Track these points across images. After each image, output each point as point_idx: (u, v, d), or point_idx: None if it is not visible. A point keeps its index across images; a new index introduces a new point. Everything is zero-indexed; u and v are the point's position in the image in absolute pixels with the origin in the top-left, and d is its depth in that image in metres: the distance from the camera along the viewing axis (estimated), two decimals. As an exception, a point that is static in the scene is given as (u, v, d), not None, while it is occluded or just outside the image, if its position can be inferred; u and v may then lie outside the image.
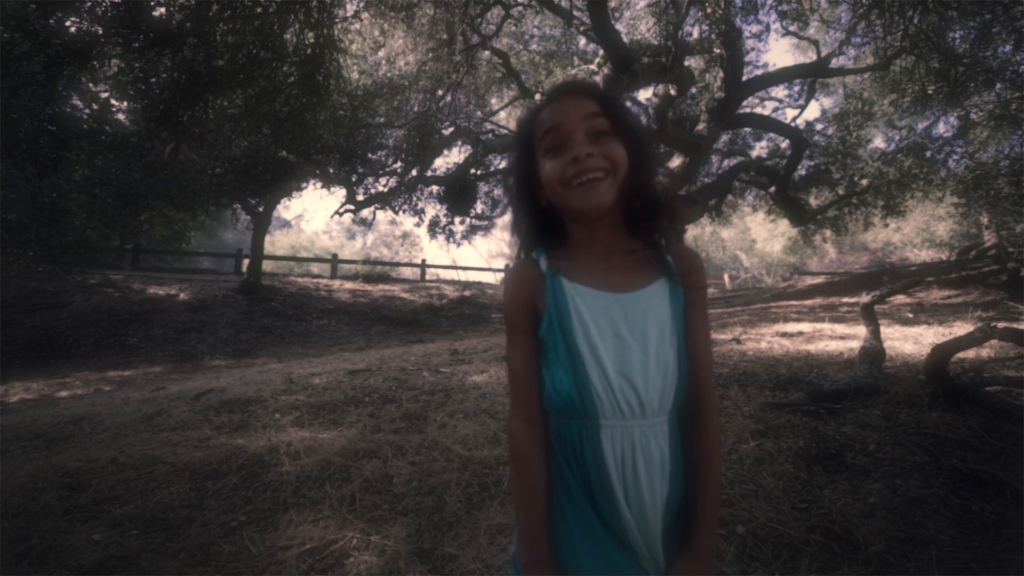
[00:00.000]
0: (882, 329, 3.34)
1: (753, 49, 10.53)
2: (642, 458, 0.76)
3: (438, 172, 12.40)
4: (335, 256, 17.09)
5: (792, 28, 10.25)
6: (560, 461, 0.80)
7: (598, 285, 0.79)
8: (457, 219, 12.47)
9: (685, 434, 0.82)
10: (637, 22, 9.93)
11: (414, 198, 11.66)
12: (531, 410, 0.82)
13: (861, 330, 3.76)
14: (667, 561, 0.79)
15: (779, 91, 12.50)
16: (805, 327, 4.67)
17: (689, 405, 0.82)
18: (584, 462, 0.77)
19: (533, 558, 0.79)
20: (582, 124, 0.78)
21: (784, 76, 10.39)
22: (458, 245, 13.39)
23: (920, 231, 18.49)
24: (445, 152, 12.61)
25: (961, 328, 4.16)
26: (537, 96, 9.73)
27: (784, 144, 11.87)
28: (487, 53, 9.86)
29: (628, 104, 0.87)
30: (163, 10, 3.87)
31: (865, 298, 3.42)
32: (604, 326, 0.77)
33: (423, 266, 17.15)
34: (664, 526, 0.78)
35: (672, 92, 8.44)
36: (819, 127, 11.82)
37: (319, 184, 11.56)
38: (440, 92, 9.90)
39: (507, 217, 0.93)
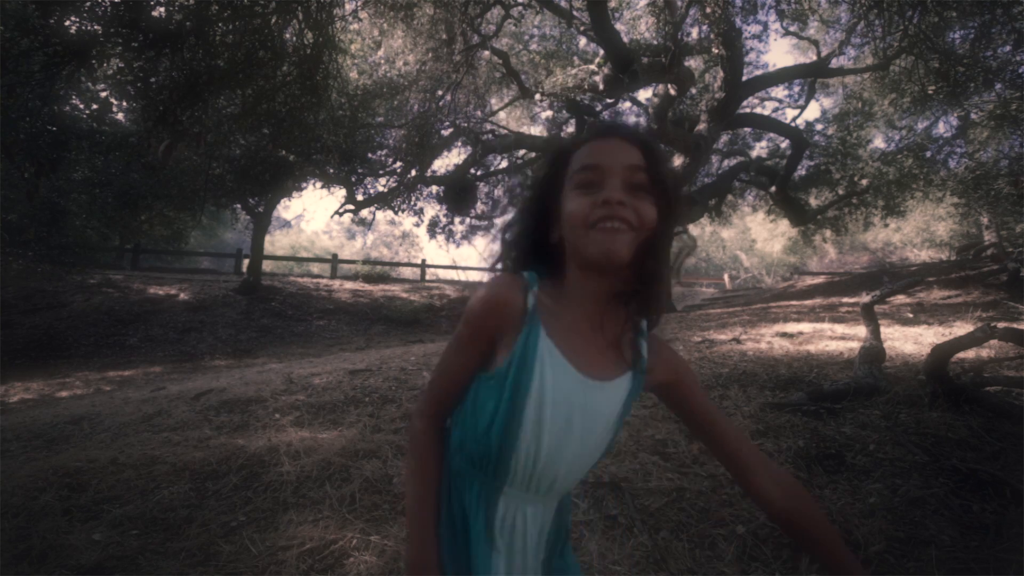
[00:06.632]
0: (882, 329, 3.33)
1: (753, 49, 10.51)
2: (523, 527, 0.78)
3: (438, 172, 12.39)
4: (335, 256, 17.08)
5: (792, 28, 10.25)
6: (457, 493, 0.80)
7: (571, 357, 0.75)
8: (457, 219, 12.47)
9: (779, 508, 0.77)
10: (637, 22, 9.93)
11: (414, 198, 11.65)
12: (441, 412, 0.83)
13: (861, 330, 3.75)
14: None
15: (779, 91, 12.49)
16: (805, 327, 4.67)
17: (745, 474, 0.80)
18: (474, 508, 0.78)
19: (424, 562, 0.78)
20: (622, 172, 0.73)
21: (784, 76, 10.39)
22: (458, 245, 13.39)
23: (920, 231, 18.45)
24: (445, 152, 12.60)
25: (961, 328, 4.15)
26: (537, 96, 9.70)
27: (784, 144, 11.85)
28: (487, 53, 9.86)
29: (665, 159, 0.82)
30: (163, 10, 3.87)
31: (865, 298, 3.42)
32: (560, 407, 0.74)
33: (423, 266, 17.14)
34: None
35: (672, 92, 8.45)
36: (819, 127, 11.80)
37: (319, 184, 11.55)
38: (440, 92, 9.90)
39: (504, 219, 0.90)
